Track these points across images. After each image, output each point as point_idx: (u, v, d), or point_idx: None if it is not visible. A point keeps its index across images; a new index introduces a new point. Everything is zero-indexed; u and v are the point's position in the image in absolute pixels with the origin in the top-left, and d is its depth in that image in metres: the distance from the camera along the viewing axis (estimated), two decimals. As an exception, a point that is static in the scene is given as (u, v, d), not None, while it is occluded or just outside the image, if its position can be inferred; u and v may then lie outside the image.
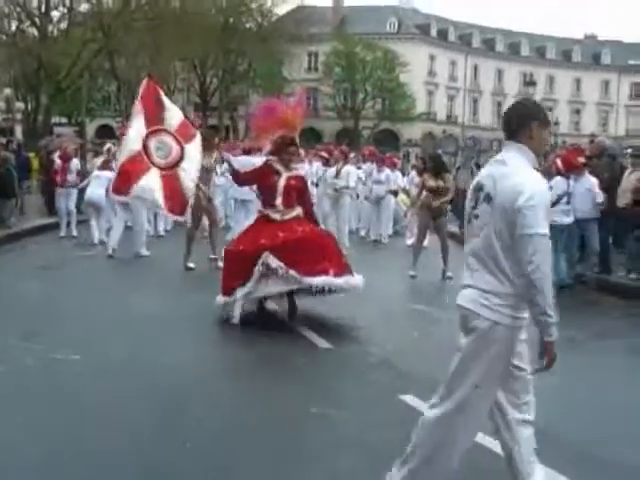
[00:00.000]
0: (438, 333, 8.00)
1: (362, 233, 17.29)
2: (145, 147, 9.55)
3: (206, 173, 11.28)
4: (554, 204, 10.61)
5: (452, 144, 63.20)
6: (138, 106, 9.82)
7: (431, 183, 11.66)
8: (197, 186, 10.71)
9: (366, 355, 6.95)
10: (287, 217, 7.98)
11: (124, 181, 9.67)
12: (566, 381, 5.86)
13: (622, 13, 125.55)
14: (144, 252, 12.79)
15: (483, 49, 73.17)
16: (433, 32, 69.71)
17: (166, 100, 10.08)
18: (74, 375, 6.06)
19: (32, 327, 7.54)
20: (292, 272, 7.51)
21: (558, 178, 10.81)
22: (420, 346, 7.47)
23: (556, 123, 56.52)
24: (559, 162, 10.95)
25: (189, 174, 9.83)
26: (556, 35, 76.19)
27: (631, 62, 74.65)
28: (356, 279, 7.88)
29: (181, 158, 9.75)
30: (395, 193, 16.86)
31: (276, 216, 7.99)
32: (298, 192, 8.21)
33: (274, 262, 7.52)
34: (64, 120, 47.03)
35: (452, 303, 8.75)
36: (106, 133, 47.31)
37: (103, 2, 38.55)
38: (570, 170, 10.78)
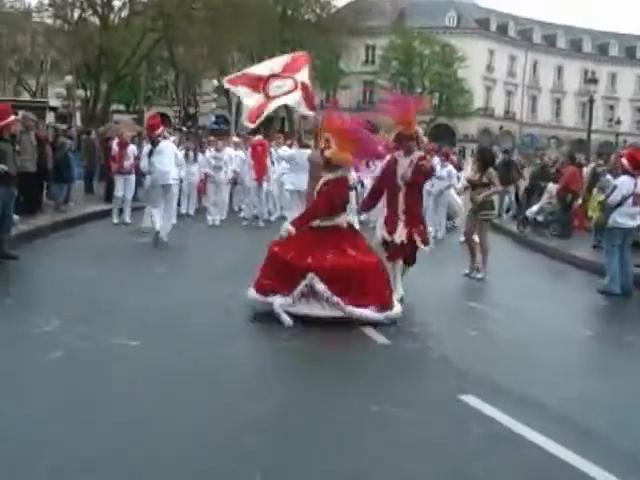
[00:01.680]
0: (493, 332, 7.82)
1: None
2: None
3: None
4: (618, 205, 10.33)
5: (509, 140, 62.34)
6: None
7: (471, 176, 11.55)
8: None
9: (425, 352, 6.81)
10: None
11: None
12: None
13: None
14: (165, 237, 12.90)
15: (544, 45, 72.00)
16: (493, 27, 68.85)
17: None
18: (132, 362, 6.03)
19: (88, 313, 7.56)
20: (336, 299, 7.40)
21: (624, 177, 10.44)
22: (477, 345, 7.27)
23: (618, 122, 55.49)
24: (625, 160, 10.57)
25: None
26: (619, 31, 74.61)
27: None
28: (395, 312, 7.68)
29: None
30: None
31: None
32: None
33: (320, 286, 7.41)
34: (122, 108, 47.57)
35: (502, 301, 8.65)
36: (163, 121, 47.61)
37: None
38: (638, 168, 10.38)
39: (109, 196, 17.77)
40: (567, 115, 72.47)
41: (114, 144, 15.83)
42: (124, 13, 39.68)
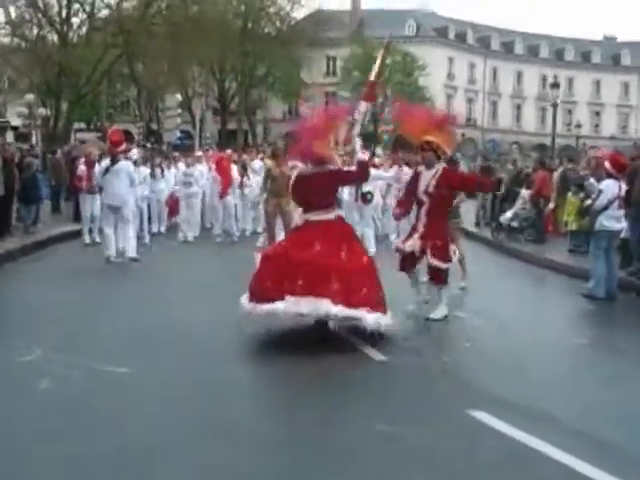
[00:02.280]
0: (487, 343, 7.67)
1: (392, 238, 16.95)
2: None
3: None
4: (604, 208, 10.29)
5: (471, 148, 62.70)
6: None
7: None
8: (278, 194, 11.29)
9: (423, 367, 6.64)
10: None
11: None
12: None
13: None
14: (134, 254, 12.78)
15: (502, 52, 72.68)
16: (451, 35, 69.37)
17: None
18: (124, 389, 5.80)
19: (71, 339, 7.30)
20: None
21: (609, 181, 10.42)
22: (475, 357, 7.14)
23: (577, 125, 56.04)
24: (608, 164, 10.53)
25: None
26: (575, 37, 75.66)
27: (651, 63, 74.04)
28: (387, 319, 7.34)
29: None
30: None
31: None
32: None
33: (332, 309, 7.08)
34: (83, 126, 46.98)
35: (488, 309, 8.45)
36: (126, 138, 47.11)
37: (123, 8, 38.41)
38: (621, 171, 10.38)
39: (78, 216, 17.47)
40: (527, 120, 73.23)
41: (81, 163, 15.51)
42: (83, 30, 39.24)
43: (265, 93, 57.63)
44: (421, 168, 8.92)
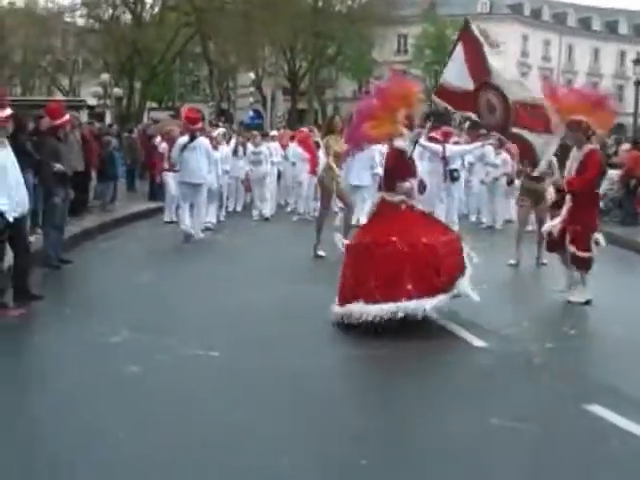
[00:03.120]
0: (593, 331, 7.21)
1: (473, 218, 16.46)
2: None
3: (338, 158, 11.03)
4: None
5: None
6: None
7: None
8: (332, 169, 10.85)
9: (526, 354, 6.19)
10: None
11: None
12: None
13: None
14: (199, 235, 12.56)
15: (578, 28, 70.60)
16: (526, 11, 67.62)
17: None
18: (217, 374, 5.57)
19: (156, 320, 7.09)
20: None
21: None
22: (582, 346, 6.67)
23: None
24: None
25: None
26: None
27: None
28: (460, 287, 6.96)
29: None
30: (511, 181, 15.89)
31: None
32: None
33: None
34: (154, 105, 47.27)
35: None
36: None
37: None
38: None
39: (153, 194, 17.42)
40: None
41: (162, 141, 15.35)
42: (156, 9, 39.31)
43: (335, 72, 57.14)
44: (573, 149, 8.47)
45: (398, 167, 7.30)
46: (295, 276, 9.34)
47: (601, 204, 15.95)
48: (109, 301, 7.95)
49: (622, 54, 70.78)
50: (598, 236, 8.30)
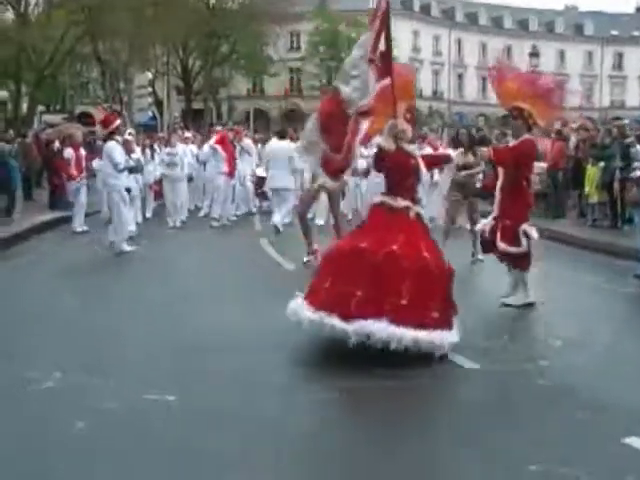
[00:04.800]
0: (578, 338, 6.62)
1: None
2: None
3: None
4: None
5: (438, 120, 61.81)
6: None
7: (462, 159, 10.38)
8: None
9: (525, 375, 5.55)
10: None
11: None
12: None
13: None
14: (126, 247, 11.54)
15: (466, 23, 71.79)
16: (416, 7, 68.21)
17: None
18: (182, 423, 4.64)
19: (97, 359, 5.97)
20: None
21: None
22: (577, 359, 6.03)
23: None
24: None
25: None
26: (538, 7, 75.17)
27: (613, 32, 73.79)
28: (453, 335, 5.99)
29: None
30: None
31: None
32: None
33: None
34: (42, 108, 45.03)
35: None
36: (87, 121, 45.27)
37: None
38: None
39: (54, 203, 16.20)
40: (493, 92, 72.38)
41: (68, 147, 14.13)
42: (42, 8, 37.23)
43: (229, 71, 56.03)
44: (509, 138, 8.03)
45: (402, 168, 6.47)
46: (241, 293, 8.47)
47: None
48: (31, 336, 6.71)
49: (509, 49, 72.38)
50: (527, 228, 7.76)
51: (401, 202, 6.30)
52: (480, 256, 10.10)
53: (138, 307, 7.98)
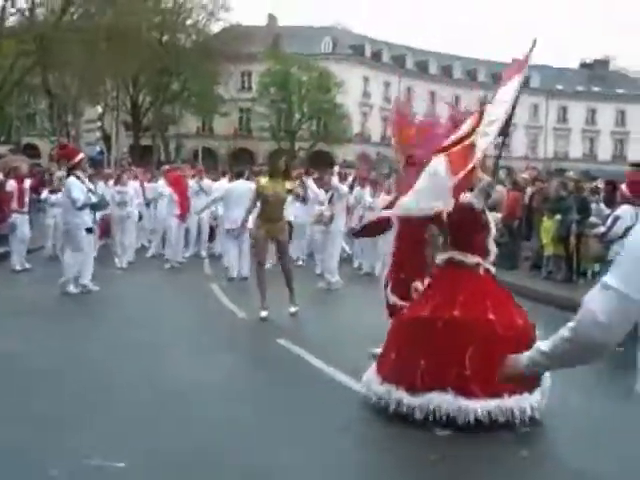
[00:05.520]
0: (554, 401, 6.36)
1: (356, 264, 15.65)
2: None
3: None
4: (621, 237, 9.25)
5: (386, 166, 62.20)
6: None
7: None
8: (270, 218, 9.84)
9: (503, 442, 5.25)
10: None
11: None
12: None
13: (548, 39, 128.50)
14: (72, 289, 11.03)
15: (416, 71, 72.83)
16: (367, 53, 68.98)
17: None
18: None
19: (32, 416, 5.44)
20: None
21: (626, 207, 9.39)
22: (560, 425, 5.77)
23: (496, 145, 56.27)
24: (625, 188, 9.52)
25: None
26: (487, 58, 76.67)
27: (558, 87, 75.73)
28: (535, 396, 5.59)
29: None
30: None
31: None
32: None
33: None
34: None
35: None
36: (33, 153, 44.42)
37: (36, 14, 36.08)
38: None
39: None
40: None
41: (11, 180, 13.59)
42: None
43: (179, 108, 55.75)
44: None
45: (471, 220, 6.10)
46: (194, 342, 8.09)
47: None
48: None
49: (457, 98, 73.71)
50: (418, 284, 7.29)
51: (472, 258, 6.01)
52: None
53: (82, 356, 7.48)
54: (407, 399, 5.46)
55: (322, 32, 65.77)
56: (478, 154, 5.87)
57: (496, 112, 6.00)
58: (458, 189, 5.96)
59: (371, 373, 5.92)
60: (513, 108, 5.98)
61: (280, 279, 9.85)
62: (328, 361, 7.19)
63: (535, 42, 6.05)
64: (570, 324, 2.35)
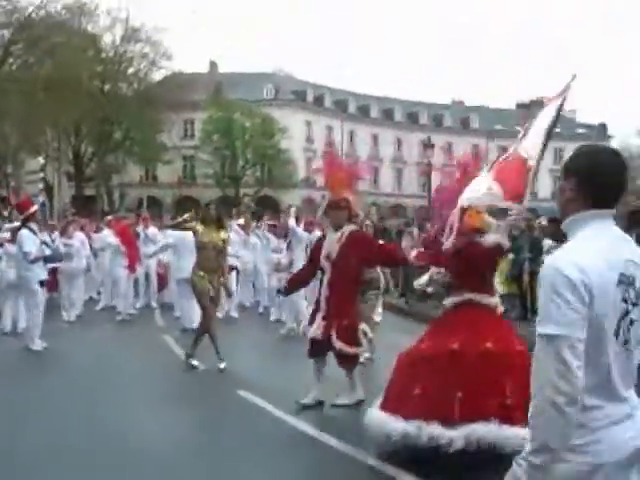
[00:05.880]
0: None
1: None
2: None
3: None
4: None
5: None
6: None
7: None
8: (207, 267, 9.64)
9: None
10: None
11: None
12: None
13: (487, 80, 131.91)
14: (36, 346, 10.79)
15: (358, 115, 73.65)
16: (310, 97, 69.58)
17: None
18: None
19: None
20: None
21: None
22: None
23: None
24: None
25: None
26: (427, 101, 77.96)
27: (497, 127, 77.16)
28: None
29: None
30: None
31: None
32: None
33: None
34: None
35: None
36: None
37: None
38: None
39: None
40: (384, 181, 74.41)
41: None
42: None
43: (122, 157, 55.21)
44: (328, 229, 7.81)
45: (495, 261, 6.28)
46: (155, 398, 7.81)
47: (430, 289, 15.77)
48: None
49: (398, 140, 74.75)
50: (364, 327, 7.60)
51: (490, 299, 6.10)
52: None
53: (33, 416, 7.15)
54: (442, 432, 5.34)
55: (264, 78, 66.20)
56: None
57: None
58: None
59: (381, 416, 5.75)
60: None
61: (233, 328, 9.64)
62: (289, 411, 7.01)
63: (575, 77, 6.28)
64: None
